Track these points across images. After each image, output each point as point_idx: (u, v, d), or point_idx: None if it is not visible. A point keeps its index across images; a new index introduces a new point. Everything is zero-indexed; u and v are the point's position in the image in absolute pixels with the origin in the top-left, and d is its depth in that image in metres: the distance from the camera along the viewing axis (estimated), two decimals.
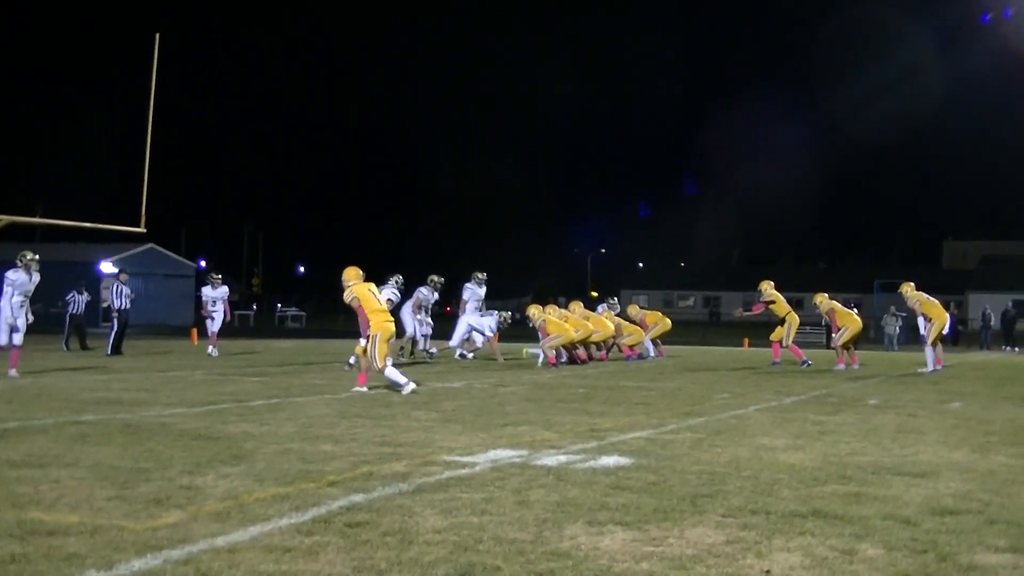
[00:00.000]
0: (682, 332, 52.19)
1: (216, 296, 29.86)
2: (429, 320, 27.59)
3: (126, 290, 29.74)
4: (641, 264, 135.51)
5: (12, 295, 20.20)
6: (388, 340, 18.03)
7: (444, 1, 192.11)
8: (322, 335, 50.07)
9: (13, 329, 20.20)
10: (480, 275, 28.14)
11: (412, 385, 17.09)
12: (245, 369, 22.98)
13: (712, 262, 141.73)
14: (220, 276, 31.08)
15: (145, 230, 35.40)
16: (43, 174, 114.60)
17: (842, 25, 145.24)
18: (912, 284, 26.09)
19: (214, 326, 29.58)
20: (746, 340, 34.87)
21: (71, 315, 31.98)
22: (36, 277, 20.60)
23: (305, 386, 18.37)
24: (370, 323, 17.51)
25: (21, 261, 20.46)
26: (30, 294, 20.52)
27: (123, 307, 29.46)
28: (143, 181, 34.39)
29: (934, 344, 25.39)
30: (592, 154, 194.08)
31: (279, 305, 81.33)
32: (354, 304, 17.94)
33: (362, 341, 17.77)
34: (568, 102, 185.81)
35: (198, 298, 59.70)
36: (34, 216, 38.85)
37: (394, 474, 8.81)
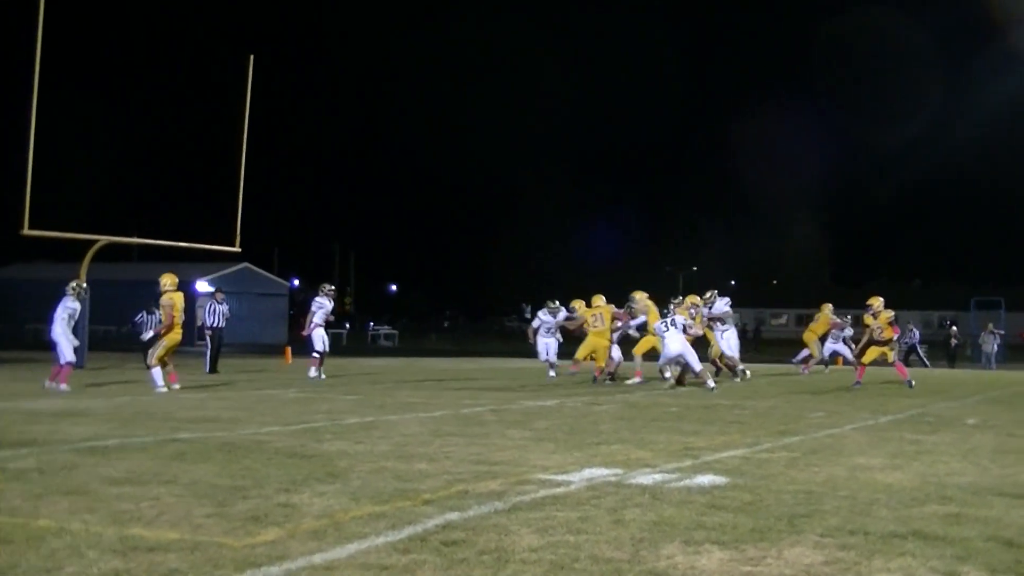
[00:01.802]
0: (775, 351, 51.85)
1: (330, 308, 26.96)
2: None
3: (222, 309, 29.79)
4: (733, 282, 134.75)
5: (67, 320, 21.83)
6: (171, 348, 21.25)
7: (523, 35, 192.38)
8: (414, 353, 50.28)
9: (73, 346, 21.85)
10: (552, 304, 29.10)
11: (163, 389, 20.53)
12: (338, 388, 23.12)
13: (804, 280, 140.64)
14: (334, 288, 28.16)
15: (240, 249, 35.97)
16: (139, 194, 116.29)
17: (933, 32, 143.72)
18: (645, 294, 25.92)
19: (323, 344, 26.77)
20: (840, 359, 34.49)
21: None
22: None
23: (398, 404, 18.44)
24: (169, 330, 21.06)
25: (74, 291, 22.22)
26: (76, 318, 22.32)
27: (217, 325, 29.56)
28: (238, 201, 34.91)
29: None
30: (688, 177, 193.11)
31: (371, 324, 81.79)
32: (167, 309, 21.23)
33: (162, 342, 21.08)
34: (651, 124, 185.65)
35: (292, 316, 58.72)
36: (131, 236, 39.49)
37: (489, 492, 8.81)
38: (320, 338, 26.64)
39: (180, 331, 21.55)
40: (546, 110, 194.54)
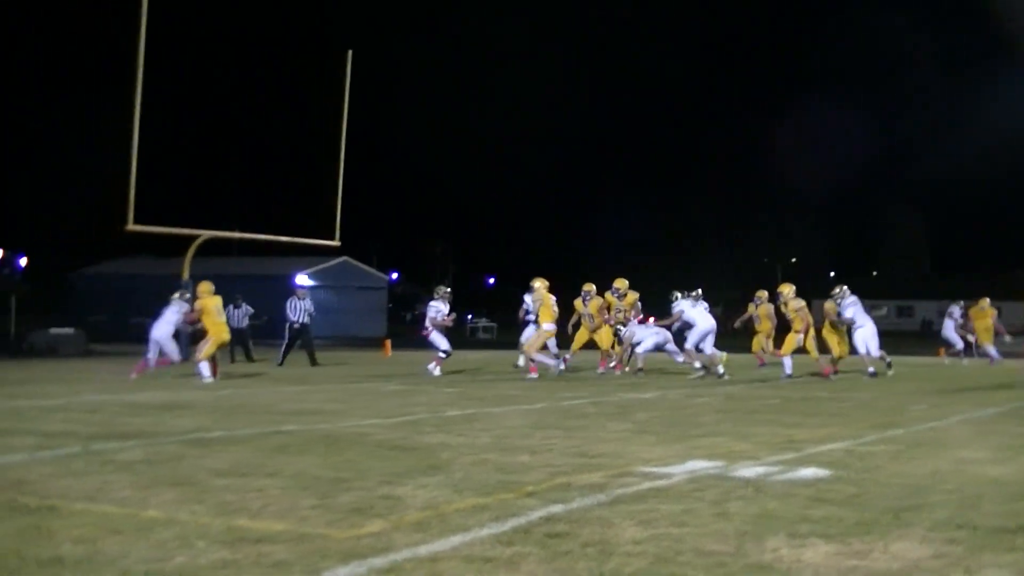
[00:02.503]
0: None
1: (446, 311, 26.06)
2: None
3: (304, 304, 29.90)
4: (832, 273, 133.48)
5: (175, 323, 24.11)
6: (218, 344, 23.21)
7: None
8: (513, 347, 50.24)
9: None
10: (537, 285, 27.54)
11: (210, 380, 22.04)
12: (437, 380, 23.21)
13: (903, 270, 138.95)
14: (449, 290, 27.05)
15: (339, 243, 36.29)
16: (240, 190, 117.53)
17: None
18: (545, 282, 24.91)
19: (446, 343, 25.88)
20: (941, 350, 34.10)
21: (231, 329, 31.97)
22: None
23: (499, 397, 18.50)
24: (209, 330, 22.93)
25: (182, 297, 24.63)
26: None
27: (299, 320, 29.75)
28: (337, 195, 35.22)
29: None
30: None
31: (470, 317, 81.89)
32: (197, 311, 23.36)
33: (210, 339, 22.88)
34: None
35: (391, 309, 58.77)
36: (232, 231, 39.99)
37: (591, 485, 8.80)
38: (444, 338, 25.76)
39: (226, 329, 24.01)
40: (641, 107, 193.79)
